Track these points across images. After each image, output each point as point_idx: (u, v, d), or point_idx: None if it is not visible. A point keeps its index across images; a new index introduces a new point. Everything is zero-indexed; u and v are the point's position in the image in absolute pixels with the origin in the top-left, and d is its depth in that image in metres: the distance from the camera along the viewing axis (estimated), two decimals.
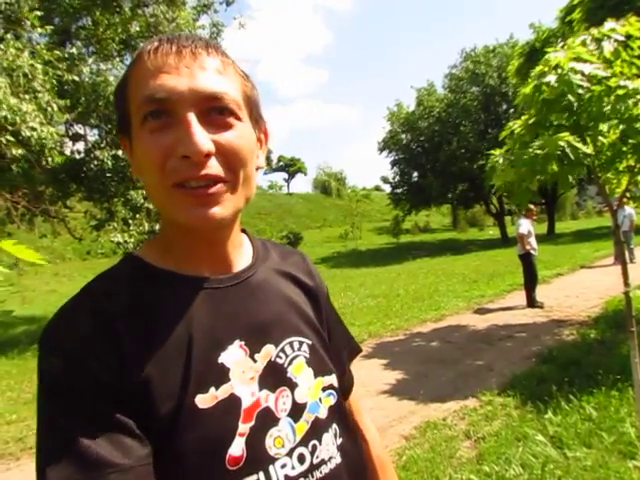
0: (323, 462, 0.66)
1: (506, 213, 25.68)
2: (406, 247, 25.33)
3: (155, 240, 0.70)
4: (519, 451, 3.00)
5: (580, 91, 1.96)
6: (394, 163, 27.23)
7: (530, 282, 7.57)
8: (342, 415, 0.74)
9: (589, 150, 2.02)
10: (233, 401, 0.60)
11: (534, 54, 6.84)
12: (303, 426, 0.66)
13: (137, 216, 9.43)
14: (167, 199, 0.59)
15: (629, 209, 10.54)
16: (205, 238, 0.65)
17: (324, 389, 0.71)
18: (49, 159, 6.92)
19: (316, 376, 0.70)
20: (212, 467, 0.57)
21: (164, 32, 8.77)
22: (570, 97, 1.98)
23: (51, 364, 0.56)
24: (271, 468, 0.61)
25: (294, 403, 0.66)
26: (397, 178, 27.47)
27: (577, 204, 49.77)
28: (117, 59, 8.97)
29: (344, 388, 0.82)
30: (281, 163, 68.48)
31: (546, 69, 2.15)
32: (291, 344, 0.69)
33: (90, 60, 8.76)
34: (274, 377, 0.65)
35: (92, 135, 9.92)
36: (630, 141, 2.24)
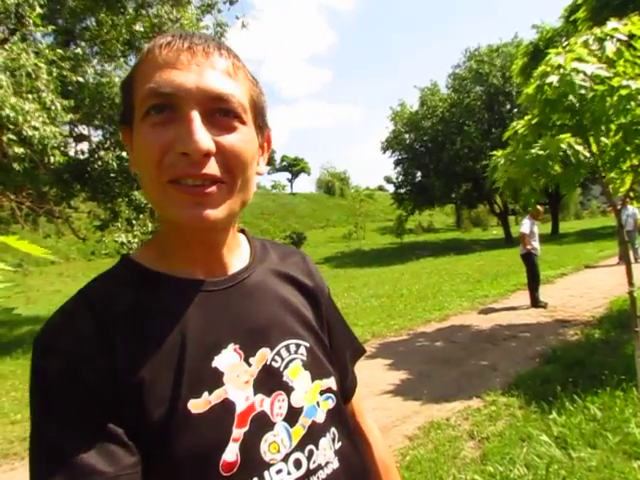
0: (320, 467, 0.65)
1: (510, 213, 25.61)
2: (410, 247, 25.30)
3: (151, 242, 0.70)
4: (523, 451, 2.99)
5: (582, 91, 1.96)
6: (397, 163, 27.21)
7: (533, 282, 7.56)
8: (341, 419, 0.72)
9: (593, 150, 2.01)
10: (227, 406, 0.59)
11: (538, 54, 6.81)
12: (299, 431, 0.65)
13: (141, 216, 9.47)
14: (162, 195, 0.59)
15: (632, 209, 10.49)
16: (199, 239, 0.64)
17: (322, 392, 0.69)
18: (51, 158, 6.94)
19: (313, 379, 0.69)
20: (206, 473, 0.56)
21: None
22: (572, 97, 1.97)
23: (42, 368, 0.56)
24: (266, 474, 0.60)
25: (290, 407, 0.65)
26: (400, 178, 27.45)
27: (581, 204, 49.61)
28: (121, 60, 9.01)
29: (346, 390, 0.81)
30: (284, 163, 68.53)
31: (548, 69, 2.14)
32: (287, 347, 0.67)
33: (94, 61, 8.80)
34: (269, 381, 0.64)
35: (96, 136, 9.97)
36: (635, 141, 2.23)
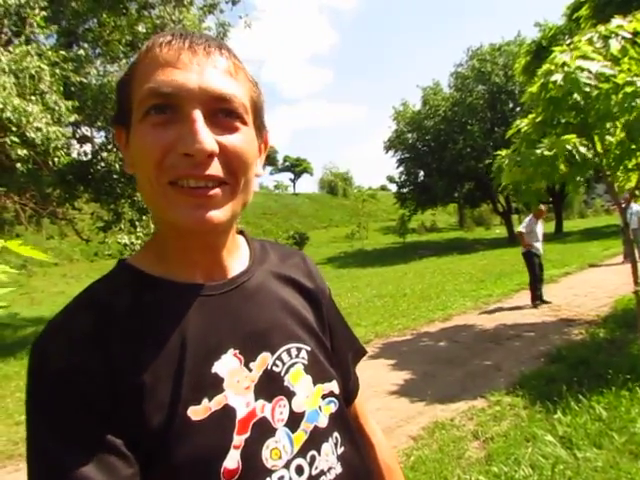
0: (322, 473, 0.64)
1: (513, 212, 25.55)
2: (412, 247, 25.27)
3: (148, 246, 0.68)
4: (528, 452, 2.98)
5: (587, 89, 1.94)
6: (400, 162, 27.18)
7: (532, 281, 7.57)
8: (344, 423, 0.71)
9: (597, 149, 2.00)
10: (227, 412, 0.58)
11: (541, 52, 6.80)
12: (301, 436, 0.64)
13: (144, 218, 9.48)
14: (162, 197, 0.57)
15: (636, 206, 10.45)
16: (199, 242, 0.63)
17: (324, 397, 0.68)
18: (55, 159, 6.96)
19: (315, 383, 0.68)
20: None
21: None
22: (577, 95, 1.96)
23: (39, 376, 0.55)
24: None
25: (291, 412, 0.64)
26: (403, 177, 27.42)
27: (585, 202, 49.43)
28: (124, 61, 9.02)
29: (349, 392, 0.80)
30: (287, 163, 68.54)
31: (552, 67, 2.13)
32: (288, 351, 0.66)
33: (97, 62, 8.82)
34: (270, 386, 0.63)
35: (99, 137, 9.99)
36: None
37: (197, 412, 0.56)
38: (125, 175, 8.98)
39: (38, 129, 6.32)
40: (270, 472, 0.60)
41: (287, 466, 0.61)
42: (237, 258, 0.70)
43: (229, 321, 0.63)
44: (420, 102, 26.70)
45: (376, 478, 0.81)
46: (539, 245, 7.51)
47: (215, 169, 0.57)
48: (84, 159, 9.35)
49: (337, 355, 0.76)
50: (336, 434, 0.68)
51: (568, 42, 2.33)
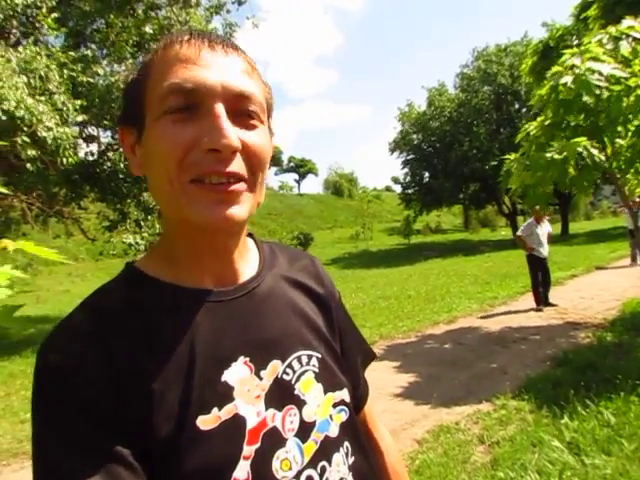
0: None
1: (519, 213, 25.44)
2: (417, 248, 25.21)
3: (155, 250, 0.67)
4: (535, 457, 2.95)
5: (597, 92, 1.92)
6: (405, 163, 27.14)
7: (533, 284, 7.55)
8: (355, 432, 0.70)
9: (607, 152, 1.97)
10: (237, 422, 0.57)
11: (548, 52, 6.75)
12: (311, 446, 0.62)
13: (149, 217, 9.51)
14: (182, 195, 0.56)
15: None
16: (211, 244, 0.61)
17: (335, 405, 0.67)
18: (64, 160, 7.01)
19: (326, 392, 0.66)
20: None
21: None
22: (587, 98, 1.93)
23: (44, 385, 0.54)
24: None
25: (302, 422, 0.62)
26: (408, 178, 27.38)
27: (591, 204, 49.14)
28: (130, 61, 9.05)
29: (359, 398, 0.79)
30: (292, 164, 68.59)
31: (562, 69, 2.10)
32: (299, 358, 0.65)
33: (104, 62, 8.86)
34: (281, 395, 0.62)
35: (105, 137, 10.03)
36: None
37: (206, 421, 0.55)
38: (131, 175, 9.01)
39: (49, 129, 6.37)
40: None
41: (297, 477, 0.60)
42: (247, 262, 0.69)
43: (239, 328, 0.62)
44: (425, 103, 26.67)
45: None
46: (543, 248, 7.44)
47: (237, 166, 0.57)
48: (90, 159, 9.38)
49: (347, 360, 0.75)
50: (347, 443, 0.67)
51: (576, 43, 2.32)
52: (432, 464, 3.07)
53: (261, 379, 0.61)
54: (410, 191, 27.25)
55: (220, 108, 0.56)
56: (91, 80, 8.05)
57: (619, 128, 2.05)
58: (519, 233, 7.66)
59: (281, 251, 0.77)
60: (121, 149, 9.16)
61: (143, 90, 0.60)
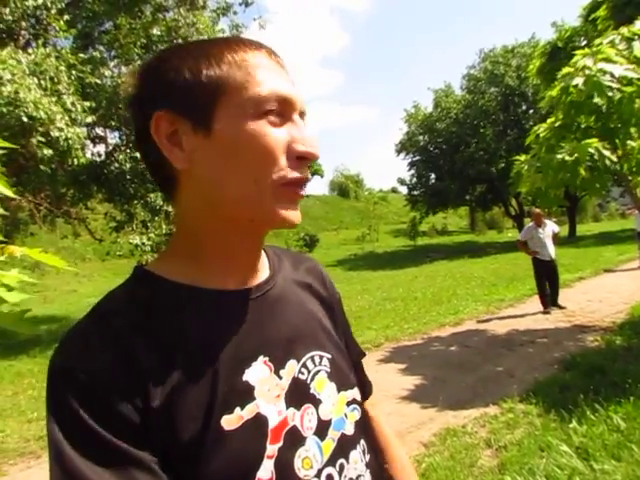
0: None
1: (525, 215, 25.30)
2: (423, 249, 25.12)
3: (169, 253, 0.66)
4: (543, 462, 2.92)
5: (610, 93, 1.89)
6: (411, 165, 27.09)
7: (538, 287, 7.48)
8: (367, 430, 0.72)
9: (618, 154, 1.95)
10: (259, 421, 0.57)
11: (556, 53, 6.71)
12: (329, 444, 0.63)
13: (156, 218, 9.54)
14: (269, 195, 0.58)
15: None
16: (254, 243, 0.65)
17: (348, 404, 0.68)
18: (75, 160, 7.07)
19: (339, 391, 0.68)
20: None
21: (184, 36, 8.88)
22: (599, 99, 1.91)
23: (62, 392, 0.52)
24: None
25: (319, 421, 0.63)
26: (414, 180, 27.32)
27: (600, 206, 48.79)
28: (138, 62, 9.10)
29: (365, 395, 0.81)
30: None
31: (573, 70, 2.08)
32: (312, 358, 0.66)
33: (112, 64, 8.92)
34: (298, 394, 0.62)
35: (112, 138, 10.08)
36: None
37: (230, 421, 0.55)
38: (138, 176, 9.06)
39: (60, 129, 6.43)
40: None
41: (318, 476, 0.60)
42: (262, 264, 0.70)
43: (258, 328, 0.63)
44: (432, 104, 26.61)
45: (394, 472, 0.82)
46: (546, 250, 7.33)
47: (307, 172, 0.62)
48: (98, 160, 9.43)
49: (351, 361, 0.76)
50: (362, 441, 0.68)
51: (584, 44, 2.30)
52: (439, 467, 3.05)
53: (280, 378, 0.62)
54: (416, 193, 27.19)
55: (299, 118, 0.62)
56: (99, 81, 8.10)
57: (631, 130, 2.02)
58: (519, 238, 7.67)
59: (284, 254, 0.78)
60: (129, 150, 9.26)
61: (219, 82, 0.58)
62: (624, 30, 2.15)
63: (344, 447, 0.65)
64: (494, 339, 6.24)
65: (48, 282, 16.24)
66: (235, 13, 10.79)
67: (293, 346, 0.65)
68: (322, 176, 69.11)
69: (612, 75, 1.96)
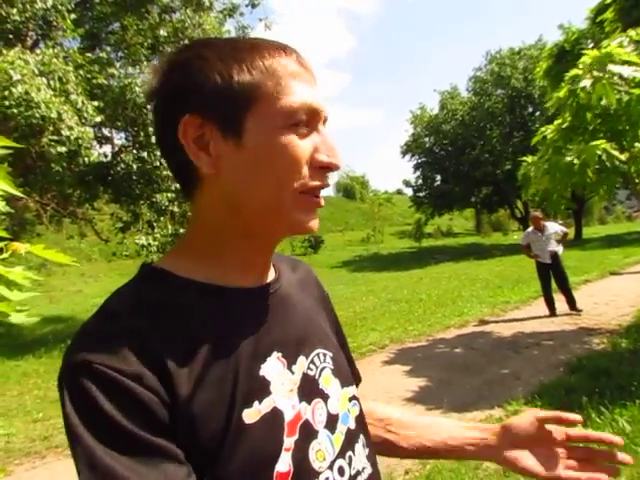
0: (359, 473, 0.67)
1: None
2: (428, 251, 25.04)
3: (181, 251, 0.66)
4: None
5: (618, 95, 1.88)
6: (417, 167, 27.04)
7: (543, 290, 7.43)
8: (366, 425, 0.75)
9: (626, 156, 1.94)
10: (276, 415, 0.59)
11: (563, 55, 6.70)
12: (339, 438, 0.65)
13: (161, 219, 9.56)
14: (291, 203, 0.60)
15: None
16: (270, 246, 0.67)
17: (350, 399, 0.71)
18: (85, 158, 7.14)
19: (342, 387, 0.70)
20: None
21: (191, 37, 8.92)
22: (607, 101, 1.90)
23: (84, 387, 0.51)
24: None
25: (328, 415, 0.65)
26: (420, 182, 27.27)
27: (606, 209, 48.46)
28: (145, 63, 9.14)
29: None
30: None
31: (580, 72, 2.07)
32: (318, 355, 0.69)
33: (118, 64, 8.97)
34: (309, 389, 0.65)
35: (119, 138, 10.13)
36: None
37: (250, 415, 0.57)
38: (144, 176, 9.08)
39: (70, 128, 6.49)
40: (317, 474, 0.61)
41: (330, 467, 0.63)
42: (271, 265, 0.72)
43: (272, 325, 0.65)
44: (438, 106, 26.57)
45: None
46: (546, 254, 7.24)
47: (327, 180, 0.63)
48: (104, 160, 9.47)
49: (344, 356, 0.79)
50: (362, 436, 0.71)
51: (591, 46, 2.29)
52: (443, 469, 3.04)
53: (293, 374, 0.63)
54: (421, 194, 27.13)
55: (324, 127, 0.63)
56: (105, 82, 8.15)
57: (639, 132, 2.01)
58: (522, 243, 7.73)
59: (282, 258, 0.81)
60: (135, 150, 9.30)
61: (251, 90, 0.58)
62: (632, 32, 2.14)
63: (350, 441, 0.67)
64: (499, 341, 6.22)
65: (54, 282, 16.32)
66: (242, 14, 10.83)
67: (301, 343, 0.67)
68: None
69: (621, 77, 1.95)
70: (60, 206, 9.95)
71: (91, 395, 0.50)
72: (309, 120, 0.60)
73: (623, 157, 1.92)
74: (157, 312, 0.58)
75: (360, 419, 0.72)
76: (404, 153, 27.30)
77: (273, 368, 0.61)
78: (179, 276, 0.62)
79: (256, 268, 0.67)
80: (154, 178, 8.86)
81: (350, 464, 0.65)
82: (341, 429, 0.66)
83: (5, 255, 0.98)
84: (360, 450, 0.68)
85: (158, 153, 7.96)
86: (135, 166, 8.85)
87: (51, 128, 6.34)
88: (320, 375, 0.67)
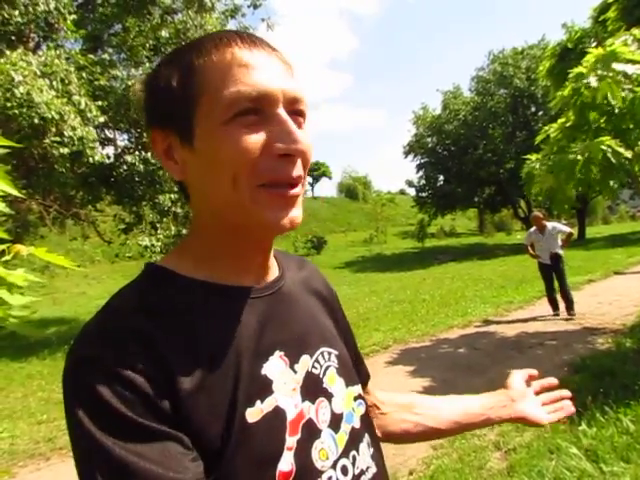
0: (362, 472, 0.66)
1: None
2: (431, 251, 25.02)
3: (182, 251, 0.66)
4: (552, 464, 2.90)
5: (622, 93, 1.87)
6: (420, 167, 27.01)
7: (546, 290, 7.39)
8: (371, 424, 0.74)
9: (629, 154, 1.93)
10: (278, 414, 0.59)
11: (566, 54, 6.68)
12: (343, 437, 0.65)
13: (164, 220, 9.58)
14: (250, 199, 0.57)
15: None
16: (261, 245, 0.65)
17: (355, 399, 0.70)
18: (90, 158, 7.16)
19: (347, 386, 0.70)
20: None
21: (192, 38, 8.93)
22: (612, 99, 1.89)
23: (90, 383, 0.51)
24: None
25: (332, 414, 0.65)
26: (422, 182, 27.24)
27: (609, 208, 48.32)
28: (147, 65, 9.16)
29: (364, 383, 0.83)
30: None
31: (585, 71, 2.06)
32: (322, 354, 0.68)
33: (120, 66, 8.99)
34: (313, 388, 0.64)
35: (122, 140, 10.15)
36: None
37: (252, 414, 0.56)
38: (146, 177, 9.10)
39: (73, 128, 6.51)
40: (320, 473, 0.60)
41: (334, 466, 0.62)
42: (272, 262, 0.71)
43: (273, 324, 0.64)
44: (440, 106, 26.53)
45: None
46: (546, 254, 7.19)
47: (299, 169, 0.59)
48: (107, 161, 9.50)
49: (351, 356, 0.78)
50: (367, 435, 0.70)
51: (594, 45, 2.28)
52: (447, 469, 3.04)
53: (295, 372, 0.63)
54: (424, 194, 27.10)
55: (284, 112, 0.57)
56: (107, 84, 8.18)
57: None
58: (525, 243, 7.76)
59: (288, 257, 0.80)
60: (137, 152, 9.32)
61: (194, 92, 0.57)
62: (636, 31, 2.13)
63: (355, 440, 0.67)
64: (503, 341, 6.20)
65: (57, 284, 16.36)
66: (243, 15, 10.85)
67: (305, 342, 0.67)
68: (330, 178, 69.14)
69: (625, 75, 1.94)
70: (63, 208, 9.98)
71: (96, 390, 0.50)
72: (259, 107, 0.56)
73: (628, 154, 1.91)
74: (160, 310, 0.58)
75: (365, 418, 0.71)
76: (407, 153, 27.29)
77: (275, 367, 0.61)
78: (182, 275, 0.62)
79: (254, 267, 0.66)
80: (157, 179, 8.87)
81: (354, 463, 0.65)
82: (345, 428, 0.66)
83: (7, 257, 0.97)
84: (365, 449, 0.68)
85: None
86: (142, 166, 8.86)
87: (53, 129, 6.36)
88: (325, 374, 0.67)
